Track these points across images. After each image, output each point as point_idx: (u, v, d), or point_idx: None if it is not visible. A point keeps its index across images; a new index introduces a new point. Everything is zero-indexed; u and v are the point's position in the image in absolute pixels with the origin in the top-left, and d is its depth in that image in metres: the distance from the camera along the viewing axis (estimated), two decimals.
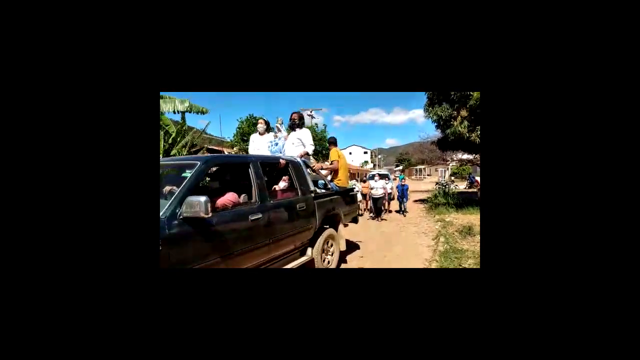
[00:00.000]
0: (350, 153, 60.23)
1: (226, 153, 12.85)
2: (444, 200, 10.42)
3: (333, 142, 4.39)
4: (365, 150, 63.55)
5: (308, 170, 3.33)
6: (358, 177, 11.32)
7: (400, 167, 54.13)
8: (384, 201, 8.78)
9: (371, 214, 8.62)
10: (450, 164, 27.29)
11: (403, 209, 9.17)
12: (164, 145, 7.98)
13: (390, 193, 9.46)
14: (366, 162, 56.00)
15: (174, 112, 7.29)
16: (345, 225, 3.99)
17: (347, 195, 3.93)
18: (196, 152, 8.49)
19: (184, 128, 8.66)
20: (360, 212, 8.95)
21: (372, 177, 9.69)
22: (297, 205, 2.76)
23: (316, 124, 12.07)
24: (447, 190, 12.10)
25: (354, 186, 5.48)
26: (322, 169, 3.80)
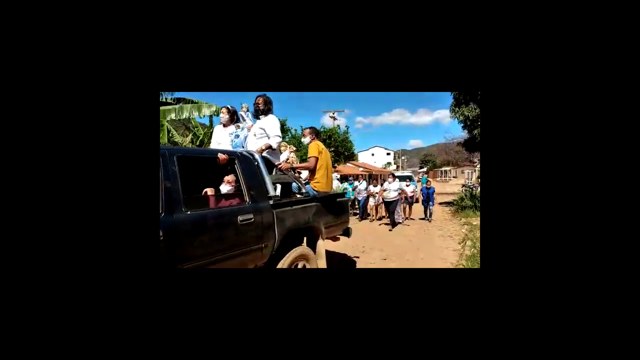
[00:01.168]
0: (372, 154, 59.65)
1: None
2: (471, 203, 10.06)
3: (315, 132, 3.26)
4: (388, 151, 62.68)
5: (278, 171, 2.74)
6: (381, 179, 11.13)
7: (425, 169, 52.85)
8: (403, 206, 8.15)
9: (384, 219, 7.91)
10: (478, 166, 26.30)
11: (428, 215, 8.39)
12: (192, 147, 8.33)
13: (412, 196, 8.71)
14: (389, 163, 55.23)
15: (201, 117, 7.61)
16: (336, 239, 3.36)
17: (332, 202, 3.05)
18: None
19: (211, 131, 8.99)
20: (373, 217, 8.44)
21: (401, 180, 9.08)
22: (239, 218, 1.97)
23: (338, 125, 12.08)
24: (474, 192, 11.68)
25: (346, 189, 4.05)
26: (292, 168, 2.94)
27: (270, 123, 2.92)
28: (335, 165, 11.37)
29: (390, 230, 7.06)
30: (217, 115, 7.83)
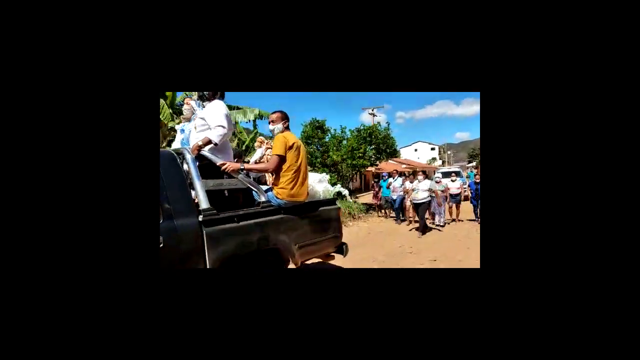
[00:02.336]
0: (415, 150, 57.54)
1: None
2: None
3: (282, 118, 2.35)
4: (433, 146, 59.95)
5: (231, 176, 2.11)
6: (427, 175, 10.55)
7: (474, 164, 49.62)
8: (449, 205, 7.27)
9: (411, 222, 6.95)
10: None
11: (479, 215, 7.05)
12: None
13: (459, 194, 7.45)
14: (434, 159, 52.81)
15: (247, 121, 8.01)
16: (329, 258, 2.73)
17: (309, 214, 2.36)
18: None
19: (256, 136, 9.42)
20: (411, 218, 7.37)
21: (447, 175, 8.42)
22: None
23: (378, 122, 11.86)
24: None
25: (340, 194, 3.25)
26: (242, 170, 2.14)
27: (212, 111, 2.21)
28: (377, 162, 11.15)
29: (419, 237, 5.91)
30: (261, 118, 8.13)
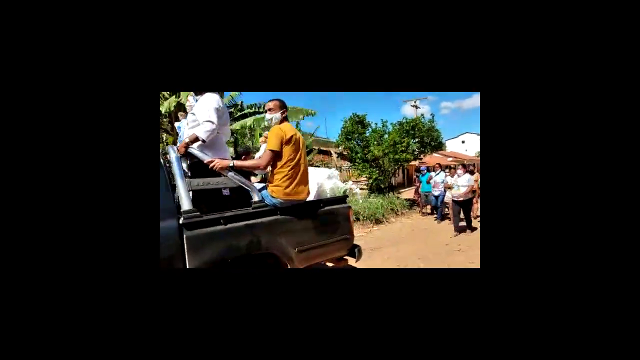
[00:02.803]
0: (462, 142, 54.15)
1: (332, 152, 13.50)
2: None
3: (280, 106, 2.13)
4: None
5: (222, 175, 1.94)
6: (475, 168, 9.76)
7: None
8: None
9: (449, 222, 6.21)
10: None
11: None
12: None
13: None
14: None
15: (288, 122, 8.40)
16: (341, 261, 2.51)
17: (310, 214, 2.12)
18: (309, 153, 9.41)
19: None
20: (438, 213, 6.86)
21: None
22: None
23: (422, 114, 11.35)
24: None
25: (350, 191, 2.83)
26: (232, 167, 1.95)
27: (202, 105, 2.03)
28: (421, 156, 10.71)
29: (468, 235, 5.39)
30: (303, 119, 8.30)
